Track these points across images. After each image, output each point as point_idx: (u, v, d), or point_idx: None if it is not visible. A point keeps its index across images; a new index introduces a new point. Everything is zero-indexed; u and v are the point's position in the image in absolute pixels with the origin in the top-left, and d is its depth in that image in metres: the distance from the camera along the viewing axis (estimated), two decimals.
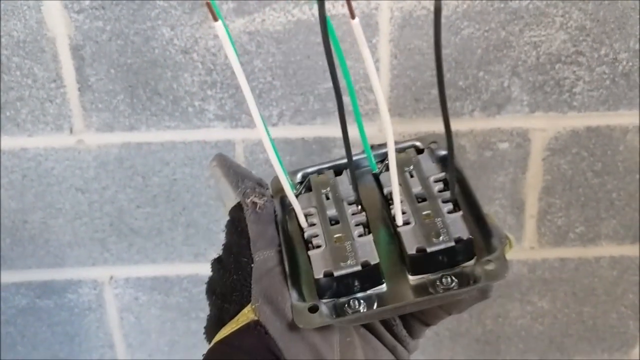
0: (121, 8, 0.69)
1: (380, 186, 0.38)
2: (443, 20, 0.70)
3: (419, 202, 0.36)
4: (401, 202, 0.35)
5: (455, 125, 0.75)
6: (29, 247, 0.80)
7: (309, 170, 0.40)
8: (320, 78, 0.72)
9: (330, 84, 0.72)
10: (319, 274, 0.33)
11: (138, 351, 0.87)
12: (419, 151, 0.40)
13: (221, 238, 0.80)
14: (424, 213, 0.35)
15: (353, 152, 0.34)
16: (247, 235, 0.36)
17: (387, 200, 0.36)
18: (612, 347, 0.88)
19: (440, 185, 0.37)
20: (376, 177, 0.39)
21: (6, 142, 0.75)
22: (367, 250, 0.34)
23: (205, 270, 0.41)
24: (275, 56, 0.71)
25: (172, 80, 0.72)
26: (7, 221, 0.78)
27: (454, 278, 0.33)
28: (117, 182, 0.77)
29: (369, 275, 0.34)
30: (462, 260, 0.34)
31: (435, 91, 0.73)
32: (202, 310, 0.83)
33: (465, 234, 0.34)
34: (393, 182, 0.34)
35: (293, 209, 0.37)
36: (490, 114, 0.75)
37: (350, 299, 0.34)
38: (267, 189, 0.38)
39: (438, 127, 0.74)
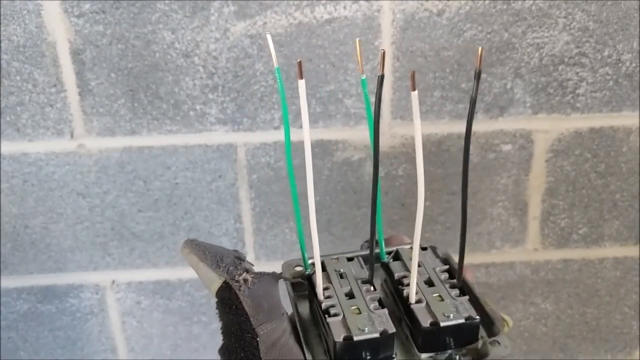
0: (122, 12, 0.69)
1: (389, 273, 0.40)
2: (445, 22, 0.70)
3: (428, 287, 0.38)
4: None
5: (458, 128, 0.75)
6: (30, 252, 0.80)
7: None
8: (322, 81, 0.72)
9: (331, 87, 0.72)
10: (338, 338, 0.34)
11: (140, 355, 0.86)
12: (423, 249, 0.42)
13: (223, 242, 0.80)
14: (434, 295, 0.37)
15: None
16: (244, 312, 0.36)
17: (397, 285, 0.39)
18: (616, 348, 0.88)
19: (446, 275, 0.39)
20: (384, 265, 0.41)
21: (7, 147, 0.74)
22: (384, 320, 0.35)
23: None
24: (276, 59, 0.71)
25: (173, 84, 0.72)
26: (8, 226, 0.78)
27: (462, 356, 0.35)
28: (118, 186, 0.77)
29: (386, 343, 0.35)
30: (469, 340, 0.36)
31: (437, 93, 0.73)
32: (204, 314, 0.83)
33: (473, 314, 0.36)
34: (413, 260, 0.37)
35: (306, 289, 0.39)
36: (493, 115, 0.74)
37: None
38: (245, 260, 0.39)
39: (440, 129, 0.74)
